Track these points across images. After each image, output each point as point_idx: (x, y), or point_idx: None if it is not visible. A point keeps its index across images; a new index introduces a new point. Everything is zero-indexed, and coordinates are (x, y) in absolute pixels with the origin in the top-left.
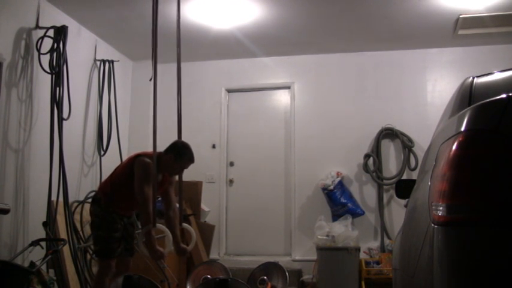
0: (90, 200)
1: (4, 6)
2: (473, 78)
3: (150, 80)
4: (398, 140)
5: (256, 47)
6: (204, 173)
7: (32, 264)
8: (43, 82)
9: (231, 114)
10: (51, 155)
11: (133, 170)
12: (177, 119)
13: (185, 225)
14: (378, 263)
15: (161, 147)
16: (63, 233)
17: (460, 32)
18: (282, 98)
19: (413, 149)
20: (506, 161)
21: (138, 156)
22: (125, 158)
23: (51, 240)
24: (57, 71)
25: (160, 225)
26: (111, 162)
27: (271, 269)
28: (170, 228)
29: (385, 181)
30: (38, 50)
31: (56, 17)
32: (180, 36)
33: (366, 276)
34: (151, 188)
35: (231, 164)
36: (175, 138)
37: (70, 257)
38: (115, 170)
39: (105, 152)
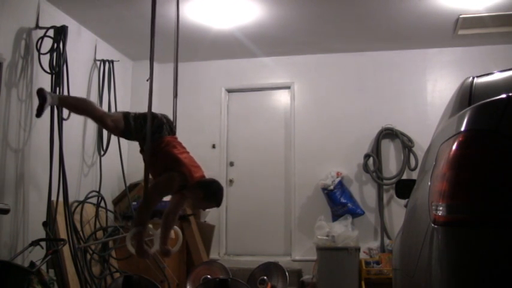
0: (90, 200)
1: (4, 6)
2: (473, 78)
3: (147, 80)
4: (398, 140)
5: (256, 47)
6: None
7: (32, 264)
8: (43, 82)
9: (231, 114)
10: (51, 155)
11: (165, 167)
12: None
13: (175, 228)
14: (378, 263)
15: None
16: (63, 233)
17: (460, 32)
18: (282, 98)
19: (413, 149)
20: (506, 161)
21: (179, 162)
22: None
23: (51, 240)
24: (57, 71)
25: (150, 227)
26: (111, 162)
27: (271, 269)
28: (163, 229)
29: (385, 181)
30: (38, 50)
31: (56, 17)
32: (179, 36)
33: (366, 276)
34: (160, 199)
35: (231, 164)
36: None
37: (70, 257)
38: None
39: (105, 152)
